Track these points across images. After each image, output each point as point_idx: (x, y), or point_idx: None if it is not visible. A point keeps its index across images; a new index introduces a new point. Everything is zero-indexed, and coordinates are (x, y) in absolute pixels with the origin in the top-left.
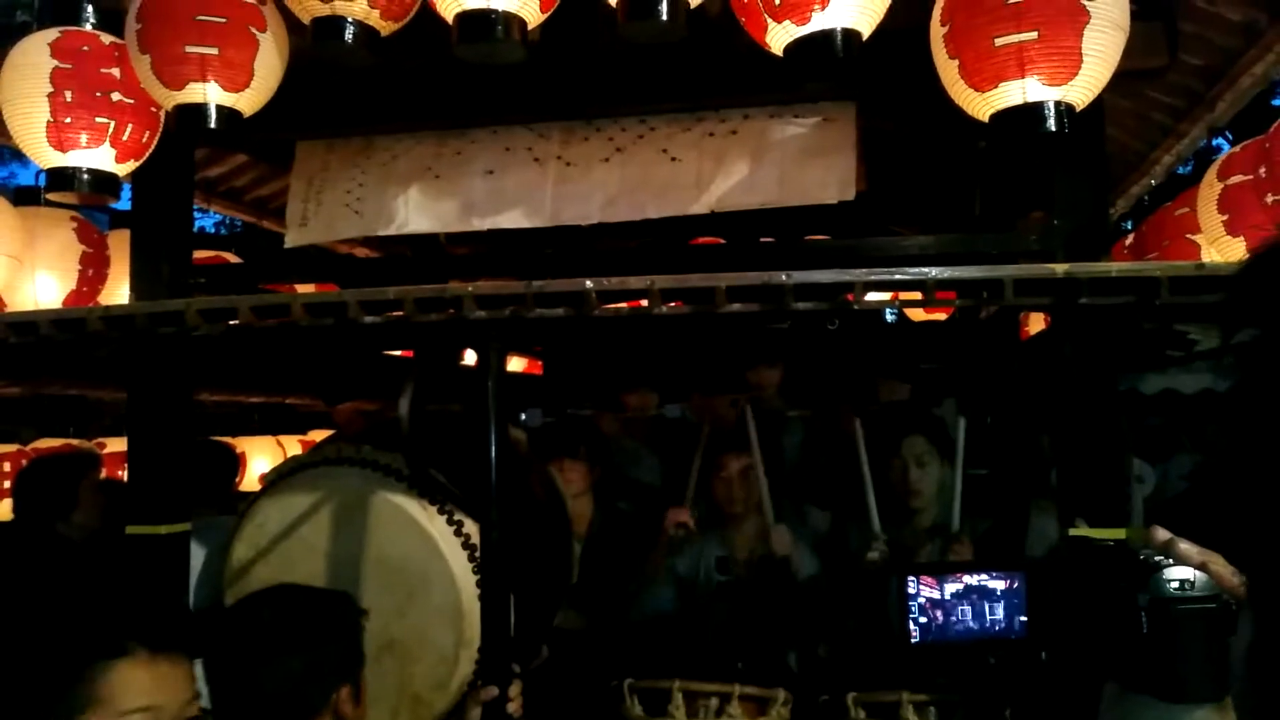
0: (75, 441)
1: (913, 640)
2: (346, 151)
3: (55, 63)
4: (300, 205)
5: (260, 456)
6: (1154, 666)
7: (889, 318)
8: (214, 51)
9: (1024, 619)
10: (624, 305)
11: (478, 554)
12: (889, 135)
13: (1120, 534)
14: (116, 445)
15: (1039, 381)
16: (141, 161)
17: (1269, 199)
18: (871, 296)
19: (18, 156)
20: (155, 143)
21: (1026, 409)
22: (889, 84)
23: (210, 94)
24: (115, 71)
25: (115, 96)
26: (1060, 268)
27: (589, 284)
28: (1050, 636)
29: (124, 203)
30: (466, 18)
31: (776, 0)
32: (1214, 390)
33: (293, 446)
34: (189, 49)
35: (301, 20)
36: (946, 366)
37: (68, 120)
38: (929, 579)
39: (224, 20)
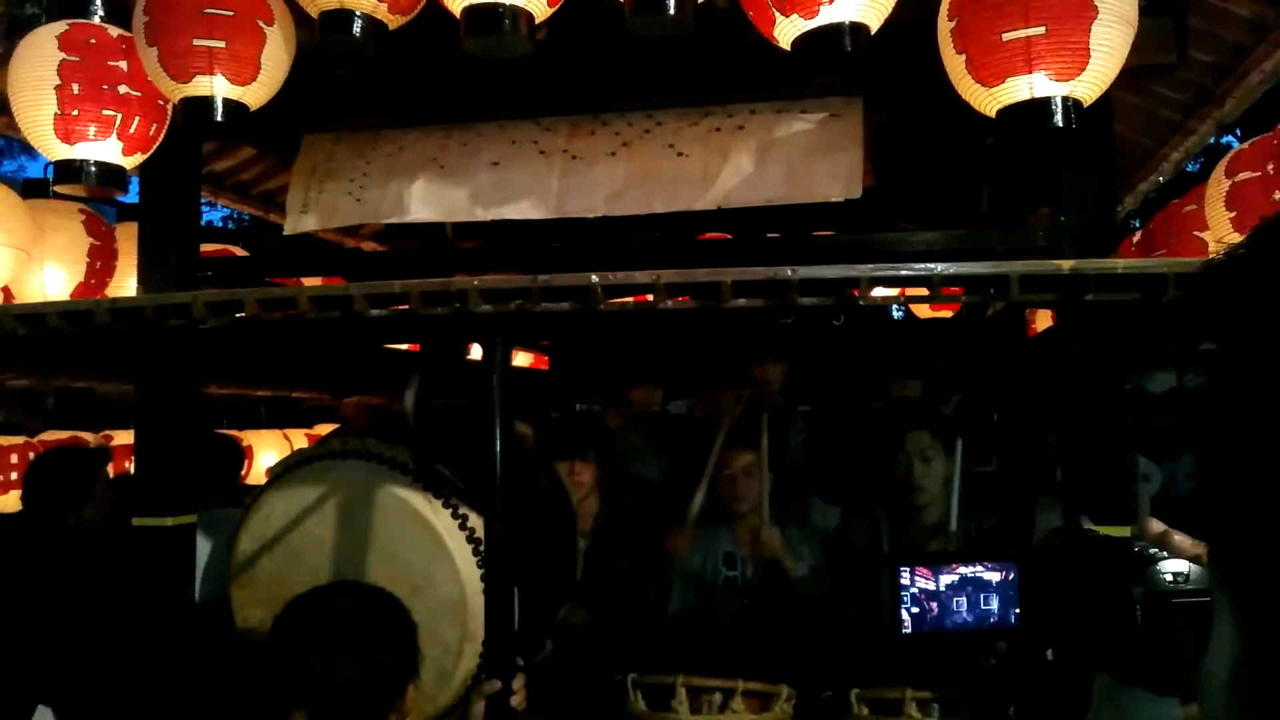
0: (82, 434)
1: (904, 630)
2: (353, 144)
3: (63, 55)
4: (301, 193)
5: (266, 450)
6: (1148, 659)
7: (895, 314)
8: (221, 45)
9: (1018, 611)
10: (629, 300)
11: (482, 548)
12: (896, 130)
13: (1125, 532)
14: (123, 438)
15: (1045, 378)
16: (149, 154)
17: (1277, 196)
18: (878, 292)
19: (26, 149)
20: (162, 136)
21: (1033, 406)
22: (896, 79)
23: (217, 87)
24: (123, 64)
25: (123, 89)
26: (1066, 264)
27: (595, 278)
28: (1054, 633)
29: (132, 196)
30: (474, 11)
31: None
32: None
33: (299, 440)
34: (196, 42)
35: (309, 14)
36: (953, 363)
37: (75, 113)
38: (923, 570)
39: (231, 14)
